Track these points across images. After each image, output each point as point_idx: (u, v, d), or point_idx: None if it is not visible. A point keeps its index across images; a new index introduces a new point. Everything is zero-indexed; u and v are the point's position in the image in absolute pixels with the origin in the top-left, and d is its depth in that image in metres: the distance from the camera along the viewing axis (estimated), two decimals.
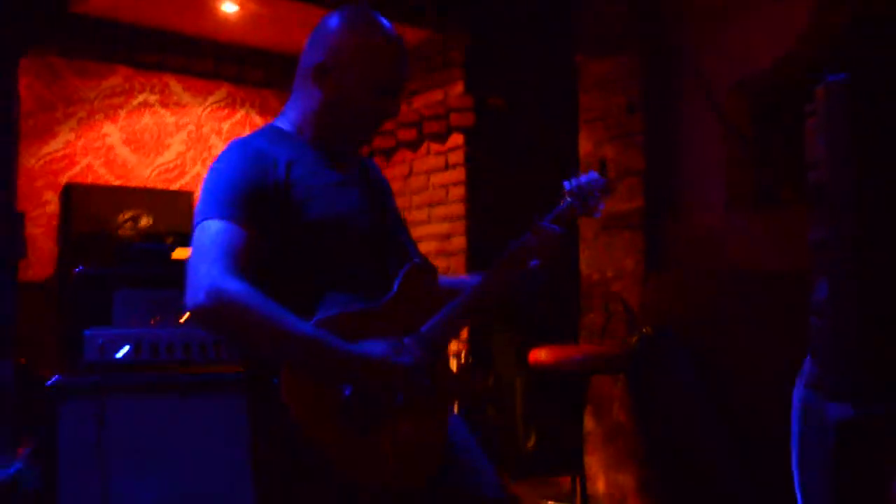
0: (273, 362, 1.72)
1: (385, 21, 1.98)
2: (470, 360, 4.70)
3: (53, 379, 2.73)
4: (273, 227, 1.80)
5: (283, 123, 2.00)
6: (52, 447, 2.68)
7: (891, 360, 2.30)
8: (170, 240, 3.35)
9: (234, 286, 1.66)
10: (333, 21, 1.96)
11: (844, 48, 3.88)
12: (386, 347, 1.77)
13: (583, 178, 2.14)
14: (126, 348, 2.82)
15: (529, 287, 2.02)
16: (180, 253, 3.16)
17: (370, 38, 1.94)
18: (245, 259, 1.73)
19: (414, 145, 5.29)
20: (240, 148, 1.87)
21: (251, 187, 1.79)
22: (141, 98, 4.76)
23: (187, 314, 2.97)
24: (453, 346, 4.65)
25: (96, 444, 2.71)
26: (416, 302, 1.89)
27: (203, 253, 1.70)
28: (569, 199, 2.12)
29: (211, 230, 1.73)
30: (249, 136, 1.95)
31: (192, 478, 2.82)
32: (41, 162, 4.48)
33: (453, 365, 4.50)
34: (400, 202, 2.76)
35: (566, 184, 2.14)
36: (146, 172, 4.70)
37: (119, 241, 3.37)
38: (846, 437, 2.23)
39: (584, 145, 4.46)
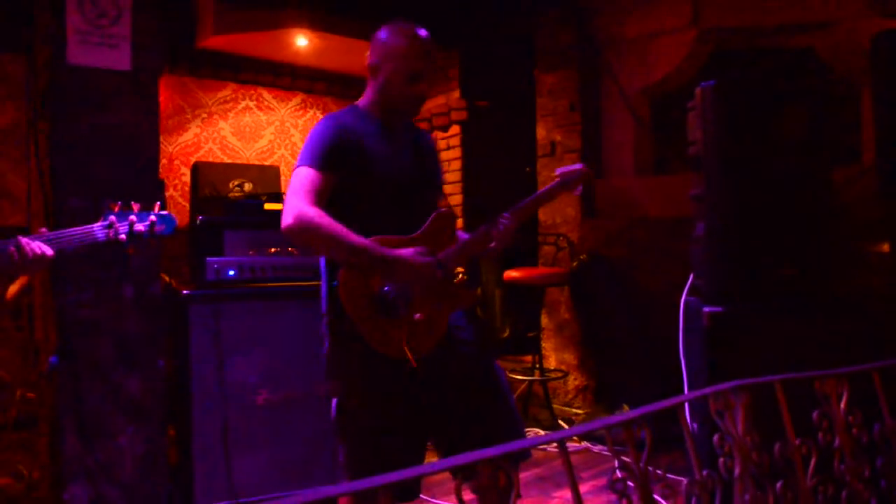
0: (336, 270, 1.73)
1: (413, 27, 1.87)
2: (465, 278, 4.68)
3: (186, 291, 2.73)
4: (344, 174, 1.78)
5: (361, 104, 1.94)
6: (185, 336, 2.69)
7: (743, 277, 2.28)
8: (263, 198, 3.30)
9: (311, 212, 1.68)
10: (380, 32, 1.90)
11: (709, 67, 3.90)
12: (413, 252, 1.76)
13: (569, 168, 2.05)
14: (232, 271, 2.80)
15: (489, 254, 1.89)
16: (269, 206, 3.13)
17: (399, 42, 1.85)
18: (321, 194, 1.74)
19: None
20: (328, 120, 1.85)
21: (331, 147, 1.77)
22: (243, 104, 4.69)
23: (275, 249, 2.95)
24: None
25: (215, 333, 2.71)
26: (438, 237, 1.86)
27: (295, 189, 1.72)
28: (558, 179, 2.04)
29: (301, 174, 1.74)
30: (337, 112, 1.91)
31: (277, 355, 2.84)
32: (178, 148, 4.44)
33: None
34: None
35: (558, 170, 2.05)
36: (248, 154, 4.65)
37: (228, 200, 3.32)
38: (714, 326, 2.23)
39: (540, 132, 4.40)
